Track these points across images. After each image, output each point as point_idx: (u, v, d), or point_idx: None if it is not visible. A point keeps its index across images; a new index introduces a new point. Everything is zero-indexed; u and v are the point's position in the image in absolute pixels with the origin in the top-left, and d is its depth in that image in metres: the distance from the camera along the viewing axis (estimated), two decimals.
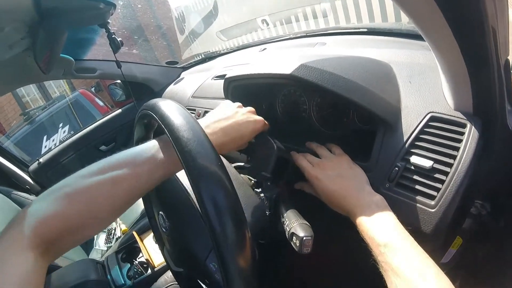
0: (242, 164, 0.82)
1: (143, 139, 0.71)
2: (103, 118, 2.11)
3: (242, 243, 0.45)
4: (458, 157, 0.62)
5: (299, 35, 1.54)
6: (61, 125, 4.26)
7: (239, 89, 0.98)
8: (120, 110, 2.12)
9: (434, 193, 0.63)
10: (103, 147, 2.09)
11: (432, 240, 0.64)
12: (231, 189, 0.46)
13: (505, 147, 0.71)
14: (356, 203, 0.63)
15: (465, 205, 0.67)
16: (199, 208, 0.48)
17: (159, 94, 2.05)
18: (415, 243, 0.54)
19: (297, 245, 0.59)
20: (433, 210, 0.63)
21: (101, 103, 4.43)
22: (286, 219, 0.64)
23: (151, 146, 0.58)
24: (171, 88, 1.97)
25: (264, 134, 0.75)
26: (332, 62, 0.83)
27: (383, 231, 0.57)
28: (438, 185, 0.63)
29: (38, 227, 0.46)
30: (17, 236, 0.45)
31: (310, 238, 0.59)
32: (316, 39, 1.36)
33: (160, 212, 0.73)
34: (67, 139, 2.07)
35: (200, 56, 2.24)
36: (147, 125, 0.70)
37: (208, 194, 0.44)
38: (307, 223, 0.63)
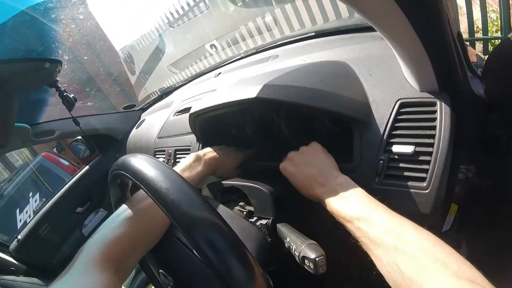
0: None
1: (121, 201, 0.69)
2: (72, 179, 2.02)
3: (253, 278, 0.43)
4: (436, 136, 0.63)
5: (250, 52, 1.53)
6: (31, 194, 4.05)
7: (205, 121, 0.96)
8: (87, 167, 2.03)
9: (423, 175, 0.64)
10: (79, 209, 1.99)
11: (432, 217, 0.65)
12: (226, 227, 0.45)
13: (476, 110, 0.73)
14: (322, 188, 0.65)
15: (453, 175, 0.68)
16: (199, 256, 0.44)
17: (123, 141, 1.99)
18: (387, 210, 0.55)
19: (312, 267, 0.57)
20: (426, 191, 0.63)
21: (66, 163, 4.25)
22: (292, 244, 0.62)
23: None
24: (134, 133, 1.91)
25: (252, 186, 0.78)
26: (291, 75, 0.83)
27: (353, 207, 0.57)
28: (425, 167, 0.63)
29: (106, 250, 0.56)
30: (90, 260, 0.53)
31: (322, 257, 0.56)
32: (267, 53, 1.37)
33: (160, 271, 0.69)
34: (40, 208, 1.96)
35: (156, 94, 2.21)
36: (121, 185, 0.67)
37: (204, 240, 0.42)
38: (314, 242, 0.61)
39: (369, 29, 1.05)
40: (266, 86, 0.76)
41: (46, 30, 1.18)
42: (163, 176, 0.48)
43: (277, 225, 0.70)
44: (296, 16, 3.54)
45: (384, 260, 0.49)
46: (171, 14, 5.19)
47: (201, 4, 4.70)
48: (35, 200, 3.83)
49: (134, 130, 1.94)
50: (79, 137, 1.98)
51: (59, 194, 1.95)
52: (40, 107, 1.68)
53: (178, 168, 0.84)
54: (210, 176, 0.90)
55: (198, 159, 0.87)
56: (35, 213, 1.96)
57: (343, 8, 3.09)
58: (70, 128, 1.78)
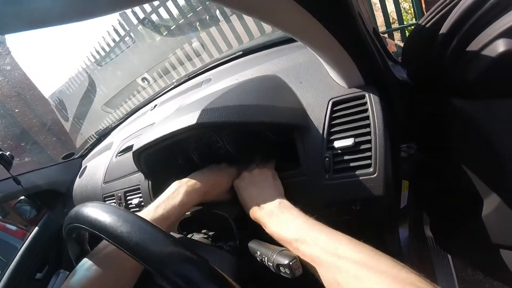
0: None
1: (81, 255, 0.65)
2: (24, 243, 1.85)
3: None
4: (371, 124, 0.68)
5: (182, 80, 1.54)
6: None
7: (150, 156, 0.94)
8: (37, 228, 1.87)
9: (368, 161, 0.68)
10: (38, 275, 1.82)
11: (386, 197, 0.69)
12: (198, 257, 0.45)
13: (403, 93, 0.80)
14: (260, 212, 0.67)
15: (396, 155, 0.74)
16: None
17: (68, 193, 1.87)
18: (323, 227, 0.57)
19: (288, 272, 0.56)
20: (375, 176, 0.67)
21: (13, 228, 3.89)
22: (263, 256, 0.62)
23: None
24: (78, 182, 1.81)
25: (210, 211, 0.78)
26: (226, 96, 0.85)
27: (290, 229, 0.59)
28: (368, 154, 0.68)
29: None
30: None
31: (295, 260, 0.57)
32: (200, 78, 1.38)
33: None
34: None
35: (94, 137, 2.14)
36: (77, 239, 0.64)
37: (179, 275, 0.42)
38: (284, 248, 0.61)
39: (293, 40, 1.10)
40: (204, 110, 0.77)
41: None
42: (121, 220, 0.47)
43: (246, 243, 0.70)
44: (222, 38, 3.62)
45: (325, 278, 0.51)
46: (98, 52, 5.10)
47: (127, 39, 4.66)
48: None
49: (77, 180, 1.83)
50: (22, 198, 1.84)
51: (14, 263, 1.77)
52: None
53: (154, 203, 0.73)
54: None
55: (177, 188, 0.76)
56: None
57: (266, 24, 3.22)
58: (11, 189, 1.62)
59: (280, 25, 0.55)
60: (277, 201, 0.67)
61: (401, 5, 3.26)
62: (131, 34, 4.54)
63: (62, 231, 0.62)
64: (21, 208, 1.87)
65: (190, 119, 0.77)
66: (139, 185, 1.12)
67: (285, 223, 0.61)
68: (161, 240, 0.45)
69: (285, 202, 0.67)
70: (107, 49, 4.93)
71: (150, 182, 1.04)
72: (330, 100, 0.75)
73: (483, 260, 0.87)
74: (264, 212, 0.66)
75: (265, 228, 0.65)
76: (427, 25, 0.71)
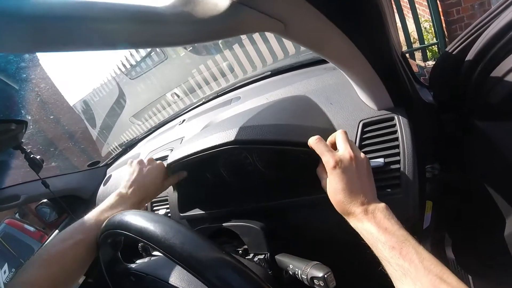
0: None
1: (111, 260, 0.69)
2: (43, 245, 1.88)
3: None
4: (400, 145, 0.71)
5: (211, 96, 1.58)
6: None
7: (181, 169, 0.98)
8: (57, 231, 1.89)
9: (396, 181, 0.70)
10: None
11: (412, 218, 0.70)
12: (247, 269, 0.49)
13: (429, 115, 0.84)
14: (359, 208, 0.60)
15: (422, 175, 0.75)
16: None
17: (91, 201, 1.90)
18: (425, 250, 0.53)
19: (322, 285, 0.58)
20: (402, 196, 0.69)
21: (32, 229, 3.98)
22: (297, 269, 0.63)
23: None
24: (103, 190, 1.83)
25: (243, 224, 0.81)
26: (260, 115, 0.88)
27: (394, 239, 0.54)
28: (396, 174, 0.70)
29: None
30: None
31: (330, 273, 0.58)
32: (229, 96, 1.42)
33: None
34: (11, 279, 1.78)
35: (120, 148, 2.18)
36: (113, 244, 0.68)
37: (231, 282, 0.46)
38: (317, 262, 0.63)
39: (320, 62, 1.15)
40: (242, 128, 0.79)
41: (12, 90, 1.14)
42: (172, 231, 0.51)
43: (276, 256, 0.72)
44: (247, 59, 3.70)
45: None
46: (129, 63, 5.22)
47: (159, 54, 4.78)
48: (4, 272, 3.52)
49: (102, 187, 1.86)
50: (45, 200, 1.88)
51: None
52: (2, 172, 1.58)
53: (98, 209, 0.82)
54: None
55: (121, 197, 0.86)
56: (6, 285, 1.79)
57: (290, 46, 3.29)
58: (35, 192, 1.68)
59: (323, 53, 0.61)
60: (378, 201, 0.61)
61: (421, 25, 3.30)
62: (163, 51, 4.66)
63: (98, 235, 0.65)
64: (42, 210, 1.91)
65: (228, 135, 0.80)
66: (167, 196, 1.14)
67: (387, 230, 0.55)
68: (213, 251, 0.49)
69: (385, 206, 0.60)
70: (138, 61, 5.06)
71: (178, 194, 1.07)
72: (360, 121, 0.77)
73: (504, 281, 0.87)
74: (364, 211, 0.59)
75: (356, 226, 0.60)
76: (454, 52, 0.76)
